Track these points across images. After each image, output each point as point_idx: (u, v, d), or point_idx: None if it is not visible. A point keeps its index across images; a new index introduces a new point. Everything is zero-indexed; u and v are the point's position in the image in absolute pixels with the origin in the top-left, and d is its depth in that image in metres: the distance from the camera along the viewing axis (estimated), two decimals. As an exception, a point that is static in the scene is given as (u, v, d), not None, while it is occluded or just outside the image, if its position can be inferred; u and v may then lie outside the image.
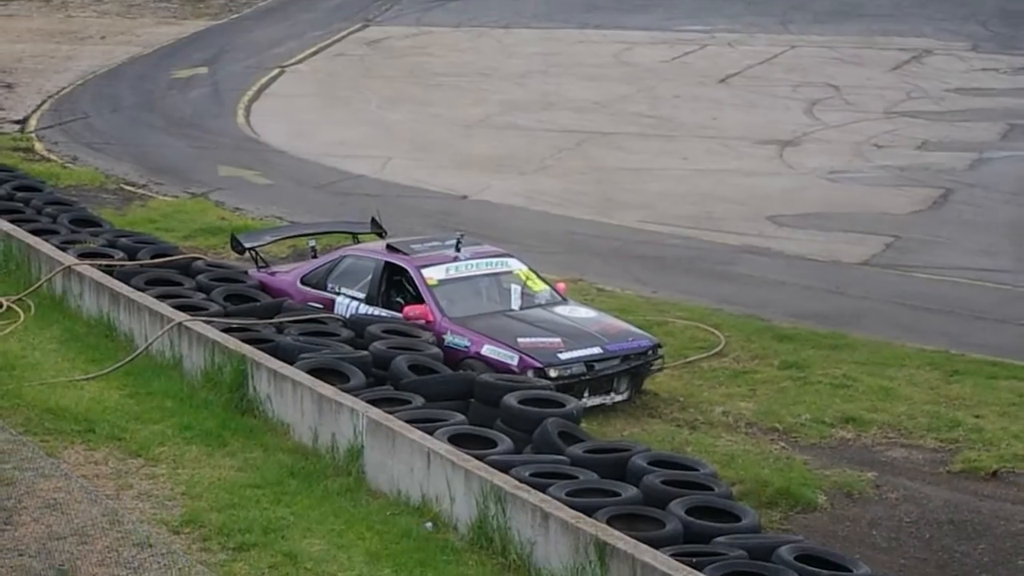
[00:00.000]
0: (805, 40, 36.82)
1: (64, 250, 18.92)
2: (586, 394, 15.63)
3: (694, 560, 11.39)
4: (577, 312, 16.70)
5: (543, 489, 12.41)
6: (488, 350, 15.73)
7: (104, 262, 18.46)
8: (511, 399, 14.43)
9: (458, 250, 16.94)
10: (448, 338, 16.03)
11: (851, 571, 11.66)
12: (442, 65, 34.28)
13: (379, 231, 18.95)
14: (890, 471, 14.62)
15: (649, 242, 22.21)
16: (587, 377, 15.67)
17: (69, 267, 18.26)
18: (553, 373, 15.49)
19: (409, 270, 16.70)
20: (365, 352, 15.61)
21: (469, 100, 31.02)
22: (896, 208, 23.92)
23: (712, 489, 12.92)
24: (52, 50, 35.56)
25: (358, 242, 18.71)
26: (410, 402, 14.48)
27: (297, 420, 14.50)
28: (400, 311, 16.50)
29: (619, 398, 15.92)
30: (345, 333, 16.26)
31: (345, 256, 17.48)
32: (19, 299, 18.21)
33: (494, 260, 17.04)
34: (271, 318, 16.80)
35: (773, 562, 11.64)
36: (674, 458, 13.63)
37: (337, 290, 17.11)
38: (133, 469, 13.86)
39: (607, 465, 13.26)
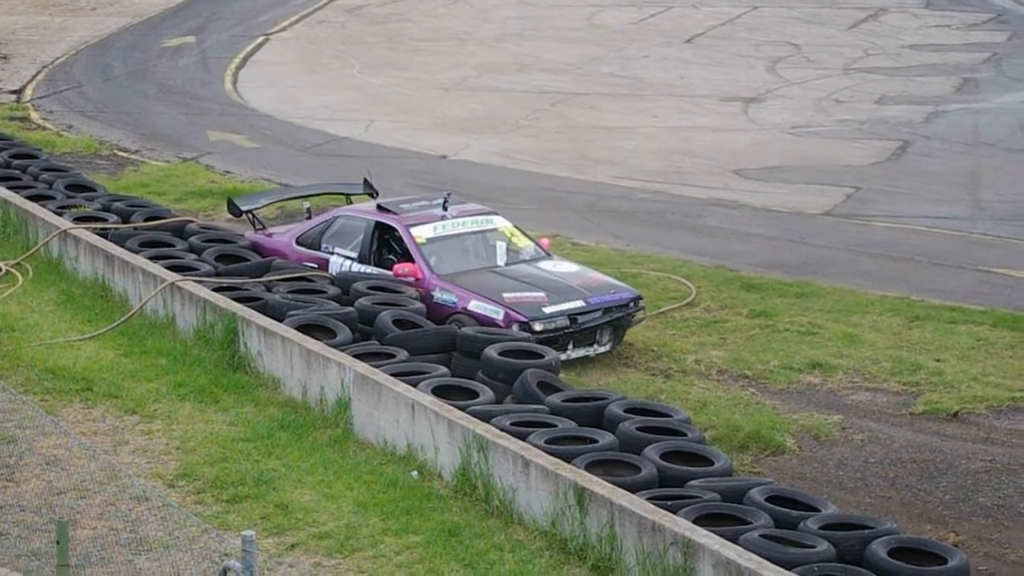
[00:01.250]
0: (766, 0, 36.53)
1: (60, 215, 18.69)
2: (570, 346, 15.44)
3: (669, 503, 11.30)
4: (560, 267, 16.48)
5: (523, 437, 12.29)
6: (475, 305, 15.52)
7: (99, 226, 18.23)
8: (492, 351, 14.28)
9: (445, 209, 16.67)
10: (436, 294, 15.81)
11: (819, 510, 11.58)
12: (420, 31, 33.95)
13: (371, 192, 18.62)
14: (855, 414, 14.53)
15: (621, 197, 22.03)
16: (571, 330, 15.46)
17: (65, 231, 18.02)
18: (538, 327, 15.29)
19: (398, 229, 16.46)
20: (351, 308, 15.44)
21: (447, 64, 30.73)
22: (856, 160, 23.77)
23: (685, 435, 12.82)
24: (45, 21, 35.11)
25: (351, 203, 18.39)
26: (395, 356, 14.32)
27: (286, 375, 14.33)
28: (391, 269, 16.25)
29: (602, 349, 15.72)
30: (331, 290, 16.09)
31: (337, 217, 17.18)
32: (17, 263, 17.97)
33: (480, 218, 16.79)
34: (260, 277, 16.59)
35: (745, 504, 11.55)
36: (649, 405, 13.52)
37: (331, 250, 16.85)
38: (129, 425, 13.69)
39: (584, 413, 13.15)
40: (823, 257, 19.26)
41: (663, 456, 12.26)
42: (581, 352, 15.58)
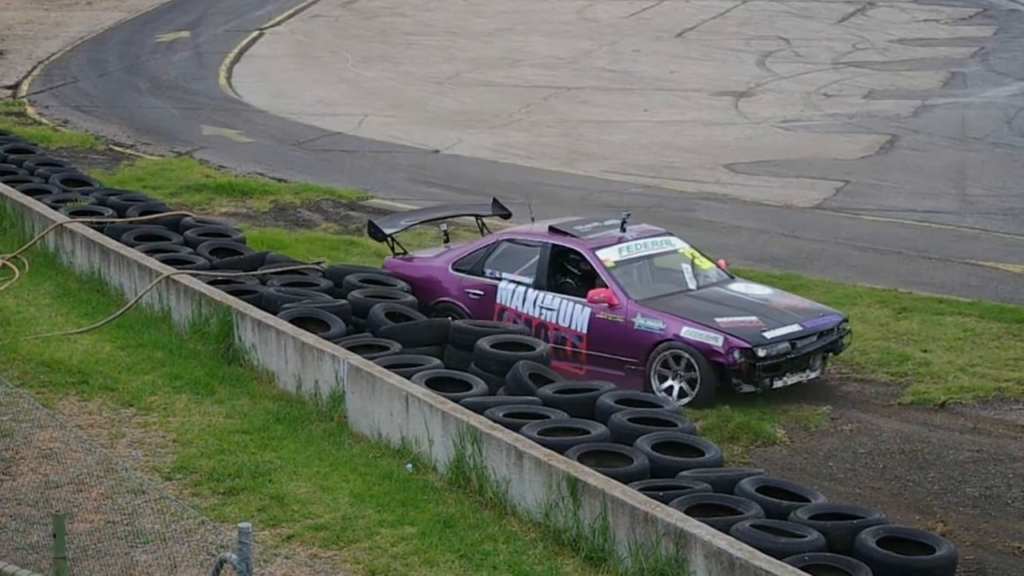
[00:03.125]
0: (756, -5, 36.57)
1: (56, 209, 18.65)
2: (787, 373, 14.53)
3: (661, 494, 11.29)
4: (753, 289, 15.47)
5: (516, 429, 12.29)
6: (688, 332, 14.41)
7: (95, 220, 18.19)
8: (484, 343, 14.27)
9: (623, 230, 15.48)
10: (638, 321, 14.61)
11: (809, 501, 11.59)
12: (413, 25, 33.91)
13: (502, 212, 17.24)
14: (844, 405, 14.54)
15: (613, 191, 22.03)
16: (791, 355, 14.45)
17: (61, 225, 17.98)
18: (761, 352, 14.25)
19: (583, 252, 15.18)
20: (344, 301, 15.42)
21: (439, 58, 30.70)
22: (845, 154, 23.80)
23: (676, 425, 12.82)
24: (41, 17, 35.03)
25: (483, 224, 17.03)
26: (388, 348, 14.32)
27: (281, 368, 14.31)
28: (570, 294, 15.08)
29: (813, 375, 14.76)
30: (324, 283, 16.07)
31: (502, 240, 15.74)
32: (14, 257, 17.92)
33: (659, 239, 15.61)
34: (254, 270, 16.57)
35: (736, 494, 11.56)
36: (640, 396, 13.52)
37: (498, 275, 15.50)
38: (126, 418, 13.66)
39: (576, 404, 13.14)
40: (812, 250, 19.28)
41: (655, 447, 12.26)
42: (795, 378, 14.58)
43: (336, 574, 10.97)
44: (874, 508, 11.86)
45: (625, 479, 11.52)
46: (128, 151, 24.33)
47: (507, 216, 17.23)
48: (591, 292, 14.92)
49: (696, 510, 11.08)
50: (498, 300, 15.48)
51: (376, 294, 15.58)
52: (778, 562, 10.16)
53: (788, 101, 27.03)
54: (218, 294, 15.33)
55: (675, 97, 27.51)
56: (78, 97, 27.97)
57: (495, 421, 12.37)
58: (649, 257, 15.42)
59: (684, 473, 11.91)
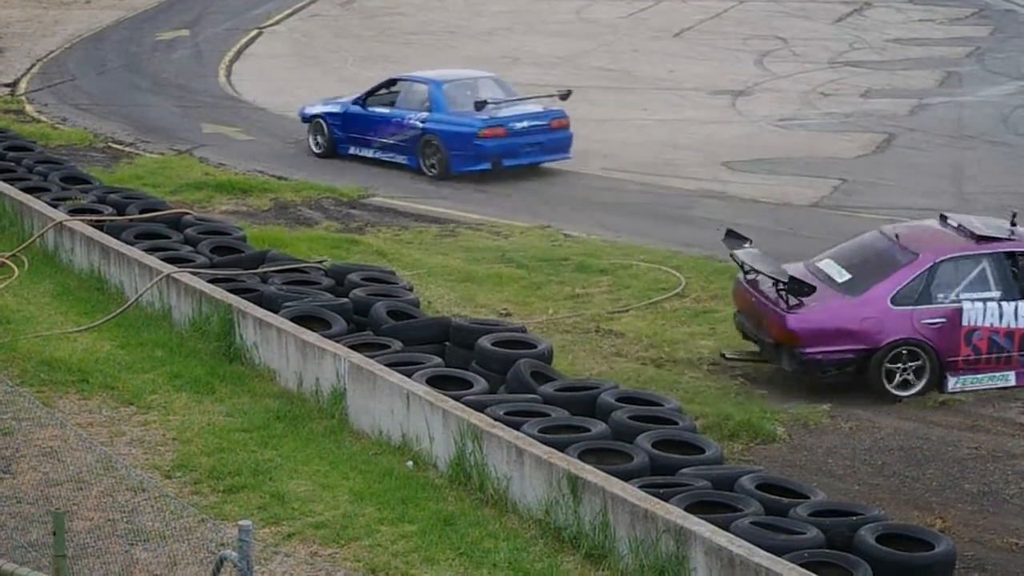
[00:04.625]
0: (753, -5, 36.55)
1: (55, 207, 18.59)
2: None
3: (661, 491, 11.27)
4: None
5: (517, 427, 12.25)
6: None
7: (94, 218, 18.14)
8: (485, 341, 14.23)
9: (1013, 224, 15.28)
10: None
11: (809, 498, 11.57)
12: (412, 24, 33.87)
13: (742, 239, 16.08)
14: (844, 402, 14.50)
15: (612, 189, 22.00)
16: None
17: (61, 223, 17.93)
18: None
19: None
20: (345, 299, 15.38)
21: (439, 57, 30.62)
22: (843, 153, 23.77)
23: (677, 423, 12.80)
24: (39, 15, 34.96)
25: (744, 266, 15.60)
26: (389, 347, 14.27)
27: (282, 366, 14.27)
28: None
29: None
30: (326, 282, 16.02)
31: (939, 262, 14.84)
32: (13, 255, 17.86)
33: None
34: (255, 269, 16.52)
35: (736, 491, 11.54)
36: (640, 394, 13.48)
37: (955, 298, 14.75)
38: (126, 417, 13.61)
39: (577, 402, 13.10)
40: (811, 248, 19.14)
41: (655, 444, 12.23)
42: None
43: (336, 572, 10.93)
44: (873, 505, 11.85)
45: (625, 476, 11.49)
46: (127, 149, 24.27)
47: (749, 242, 16.15)
48: None
49: (696, 507, 11.05)
50: (964, 323, 14.71)
51: (377, 292, 15.53)
52: (778, 559, 10.14)
53: (785, 100, 27.01)
54: (219, 292, 15.28)
55: (673, 96, 27.47)
56: (77, 95, 27.91)
57: (496, 419, 12.34)
58: None
59: (684, 470, 11.89)
